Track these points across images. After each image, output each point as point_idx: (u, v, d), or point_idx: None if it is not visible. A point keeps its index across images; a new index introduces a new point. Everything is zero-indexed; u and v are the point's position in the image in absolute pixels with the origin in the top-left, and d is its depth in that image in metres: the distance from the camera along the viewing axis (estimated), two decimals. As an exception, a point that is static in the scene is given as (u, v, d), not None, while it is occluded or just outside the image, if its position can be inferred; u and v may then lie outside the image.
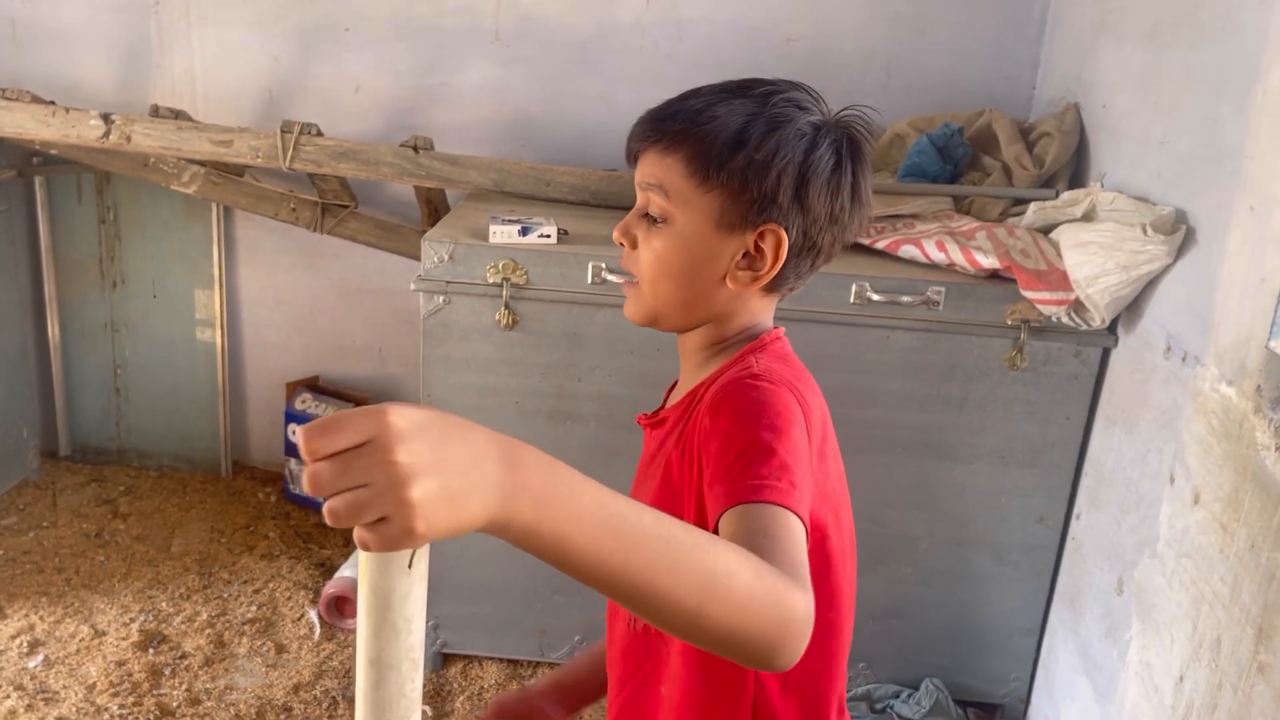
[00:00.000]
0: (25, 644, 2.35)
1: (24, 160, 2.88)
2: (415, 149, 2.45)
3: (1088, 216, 2.08)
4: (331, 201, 2.76)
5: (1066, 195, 2.16)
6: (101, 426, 3.18)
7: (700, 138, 0.92)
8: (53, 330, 3.07)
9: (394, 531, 0.52)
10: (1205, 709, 1.57)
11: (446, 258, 2.11)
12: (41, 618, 2.45)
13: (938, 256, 2.09)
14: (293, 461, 3.04)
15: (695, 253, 0.95)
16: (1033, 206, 2.18)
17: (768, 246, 0.94)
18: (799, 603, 0.68)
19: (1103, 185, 2.16)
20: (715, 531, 0.79)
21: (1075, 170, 2.35)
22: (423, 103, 2.86)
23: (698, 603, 0.63)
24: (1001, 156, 2.40)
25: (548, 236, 2.13)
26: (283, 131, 2.45)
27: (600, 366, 2.17)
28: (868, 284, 2.07)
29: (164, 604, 2.55)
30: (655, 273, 0.97)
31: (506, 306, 2.12)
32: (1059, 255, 2.02)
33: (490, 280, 2.11)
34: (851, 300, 2.08)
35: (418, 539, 0.52)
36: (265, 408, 3.19)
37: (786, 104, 0.94)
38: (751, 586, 0.66)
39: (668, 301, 0.98)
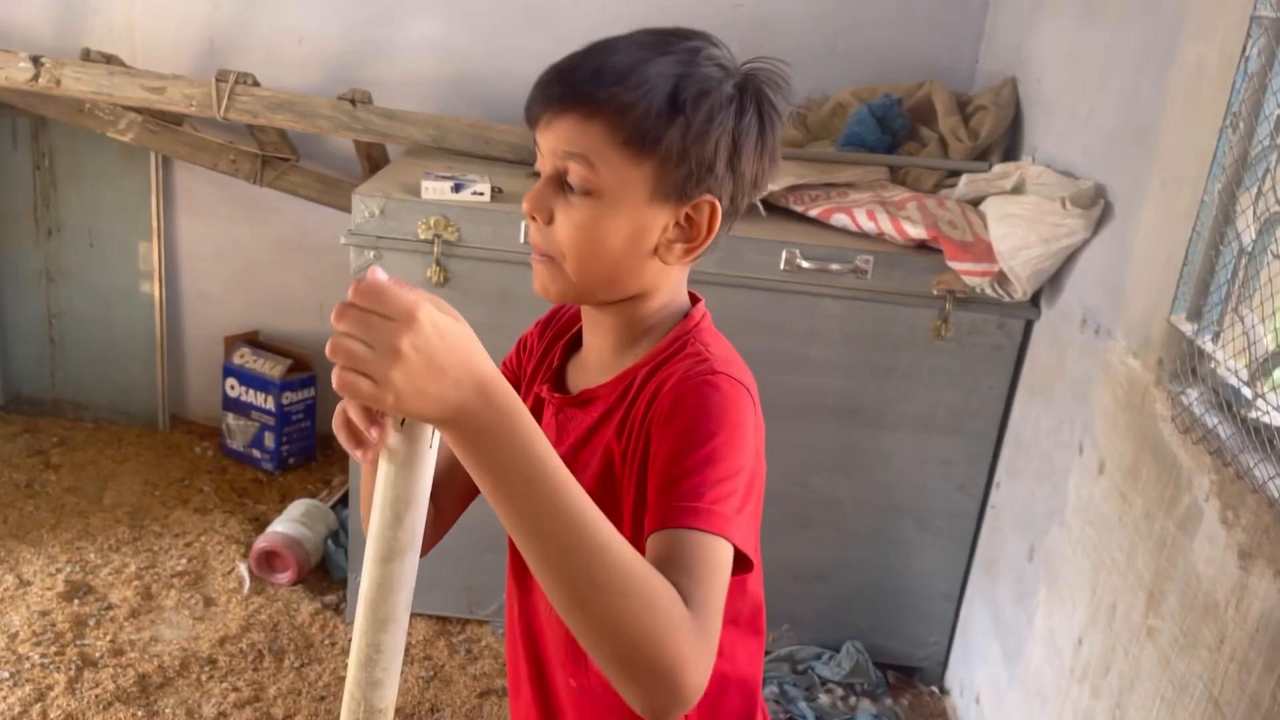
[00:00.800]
0: (-52, 592, 2.34)
1: (-45, 103, 2.81)
2: (353, 102, 2.43)
3: (1017, 190, 2.10)
4: (272, 154, 2.73)
5: (998, 168, 2.18)
6: (36, 377, 3.14)
7: (631, 104, 0.84)
8: (-15, 278, 3.02)
9: (365, 390, 0.63)
10: (1099, 671, 1.62)
11: (377, 212, 2.09)
12: (-34, 566, 2.44)
13: (867, 226, 2.11)
14: (230, 416, 3.02)
15: (625, 227, 0.88)
16: (964, 178, 2.20)
17: (701, 217, 0.90)
18: (690, 673, 0.69)
19: (1034, 159, 2.18)
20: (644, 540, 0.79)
21: (1010, 144, 2.37)
22: (367, 57, 2.82)
23: (580, 596, 0.68)
24: (938, 128, 2.41)
25: (481, 194, 2.13)
26: (218, 80, 2.42)
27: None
28: (798, 250, 2.09)
29: (92, 555, 2.53)
30: (580, 250, 0.88)
31: (438, 263, 2.11)
32: (985, 227, 2.04)
33: (421, 236, 2.10)
34: (781, 267, 2.10)
35: (381, 405, 0.63)
36: (204, 362, 3.16)
37: (710, 63, 0.87)
38: (645, 626, 0.68)
39: (593, 279, 0.90)
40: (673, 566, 0.74)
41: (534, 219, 0.90)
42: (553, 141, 0.88)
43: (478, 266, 2.13)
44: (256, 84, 2.47)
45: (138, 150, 2.85)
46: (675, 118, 0.85)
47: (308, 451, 3.07)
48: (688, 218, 0.90)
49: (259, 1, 2.79)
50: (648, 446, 0.86)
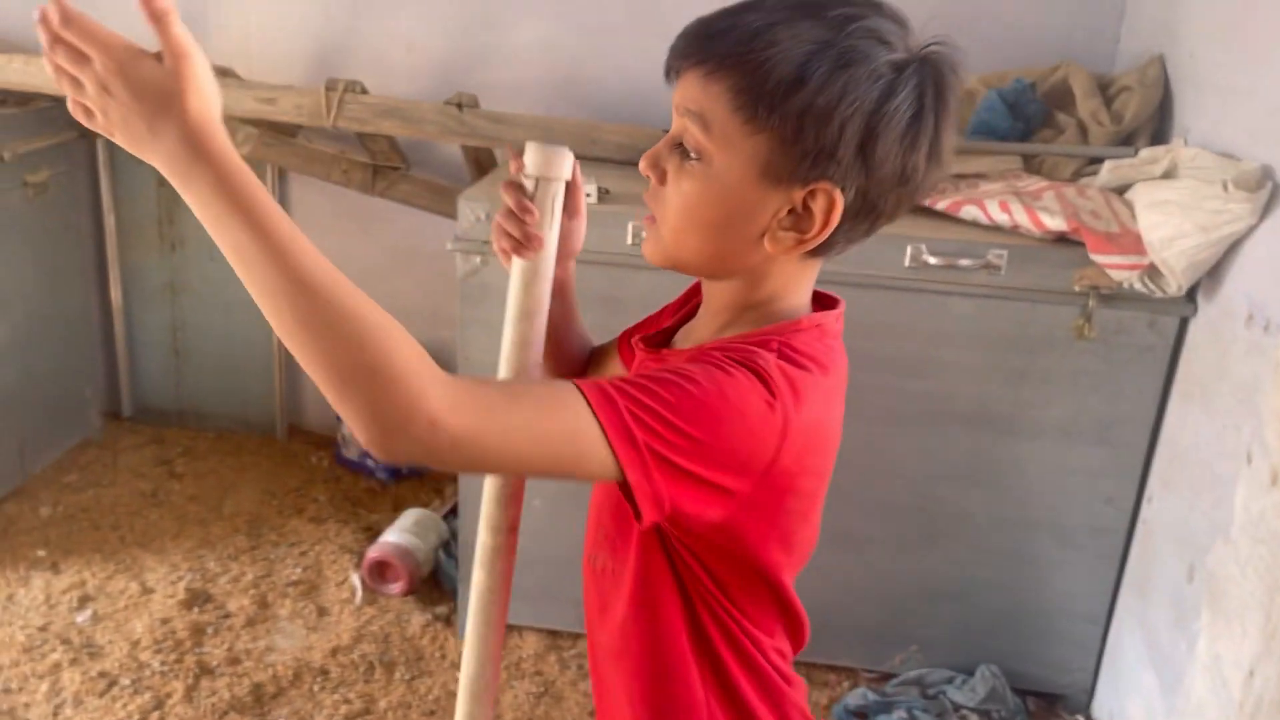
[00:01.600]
0: (75, 599, 2.39)
1: (85, 122, 2.90)
2: (460, 106, 2.40)
3: (1169, 175, 1.92)
4: (382, 164, 2.73)
5: (1145, 153, 2.00)
6: (162, 388, 3.22)
7: (753, 67, 0.78)
8: (115, 292, 3.11)
9: (90, 119, 0.72)
10: (1275, 705, 1.44)
11: (484, 216, 2.05)
12: (94, 573, 2.49)
13: (1000, 218, 1.96)
14: (345, 427, 3.04)
15: (731, 204, 0.83)
16: (1107, 165, 2.03)
17: (818, 207, 0.82)
18: (423, 388, 0.69)
19: (1186, 141, 2.00)
20: None
21: (1158, 126, 2.18)
22: (475, 61, 2.80)
23: (293, 320, 0.70)
24: (1077, 113, 2.24)
25: (588, 195, 2.06)
26: (327, 89, 2.42)
27: (641, 331, 2.09)
28: (924, 246, 1.95)
29: (212, 564, 2.56)
30: (681, 220, 0.86)
31: (545, 268, 2.05)
32: (1133, 217, 1.87)
33: (528, 240, 2.04)
34: (906, 264, 1.97)
35: (102, 130, 0.72)
36: (320, 372, 3.19)
37: (865, 35, 0.80)
38: (366, 339, 0.70)
39: (692, 252, 0.87)
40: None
41: (649, 176, 0.88)
42: (677, 98, 0.85)
43: (585, 270, 2.04)
44: (365, 92, 2.47)
45: (254, 164, 2.88)
46: (799, 88, 0.78)
47: (420, 461, 3.06)
48: (804, 205, 0.83)
49: (368, 11, 2.80)
50: None
